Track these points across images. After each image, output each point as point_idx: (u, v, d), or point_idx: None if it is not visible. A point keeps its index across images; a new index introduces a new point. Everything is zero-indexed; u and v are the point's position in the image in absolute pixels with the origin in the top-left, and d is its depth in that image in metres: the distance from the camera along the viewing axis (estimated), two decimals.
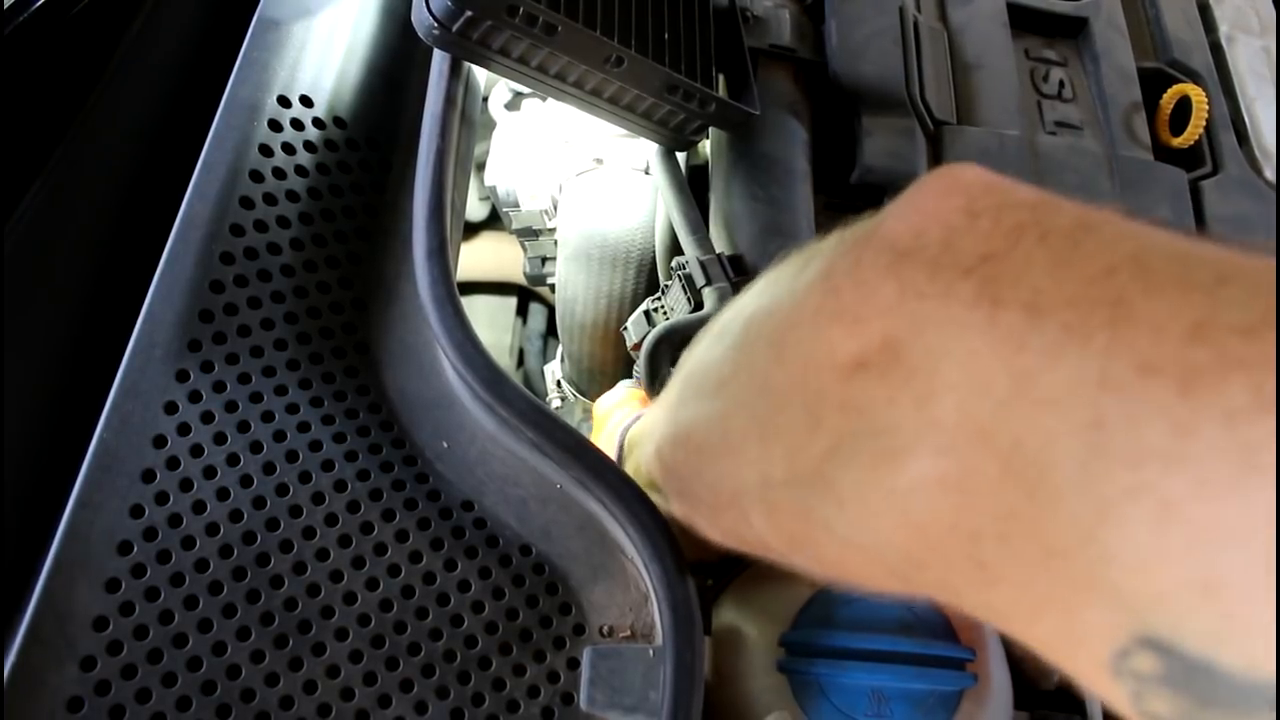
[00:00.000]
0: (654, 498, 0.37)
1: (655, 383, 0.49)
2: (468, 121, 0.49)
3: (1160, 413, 0.15)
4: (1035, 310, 0.17)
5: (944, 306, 0.19)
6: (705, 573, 0.46)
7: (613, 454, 0.47)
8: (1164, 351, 0.15)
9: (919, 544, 0.21)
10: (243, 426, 0.37)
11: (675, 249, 0.60)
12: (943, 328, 0.19)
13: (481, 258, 1.15)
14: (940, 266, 0.20)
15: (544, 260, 0.81)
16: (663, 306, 0.55)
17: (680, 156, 0.61)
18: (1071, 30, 0.63)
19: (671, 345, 0.50)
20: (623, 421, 0.50)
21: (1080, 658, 0.18)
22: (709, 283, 0.50)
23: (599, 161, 0.70)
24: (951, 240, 0.20)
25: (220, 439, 0.37)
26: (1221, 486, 0.14)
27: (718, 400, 0.28)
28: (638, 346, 0.55)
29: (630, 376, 0.73)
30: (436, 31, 0.42)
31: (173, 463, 0.36)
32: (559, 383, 0.87)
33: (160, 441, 0.36)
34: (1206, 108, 0.57)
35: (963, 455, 0.19)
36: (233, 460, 0.36)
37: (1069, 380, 0.17)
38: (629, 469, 0.43)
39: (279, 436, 0.38)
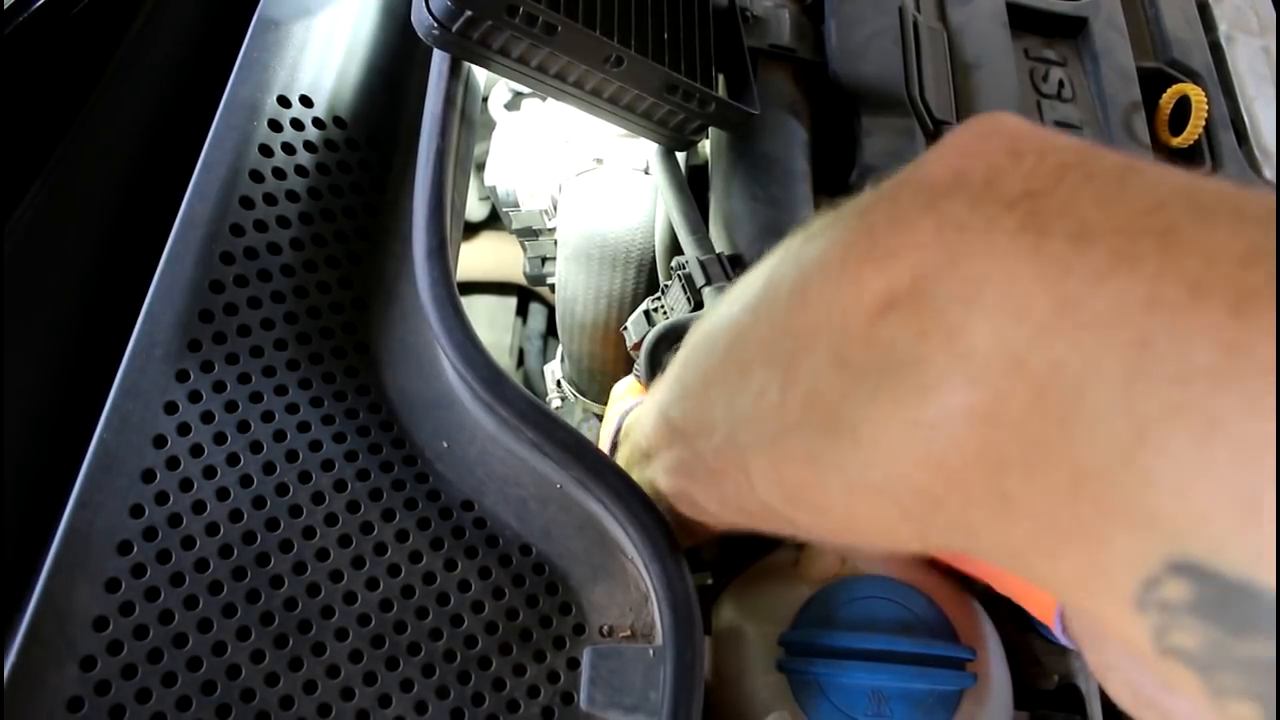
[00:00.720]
0: (643, 476, 0.37)
1: (655, 381, 0.49)
2: (468, 121, 0.49)
3: (1211, 331, 0.15)
4: (1082, 239, 0.17)
5: (985, 237, 0.19)
6: (705, 571, 0.46)
7: (608, 438, 0.47)
8: (1217, 274, 0.15)
9: (939, 479, 0.20)
10: (243, 426, 0.37)
11: (675, 249, 0.60)
12: (984, 257, 0.18)
13: (481, 258, 1.15)
14: (982, 201, 0.19)
15: (544, 260, 0.81)
16: (663, 306, 0.55)
17: (680, 156, 0.61)
18: (1071, 30, 0.63)
19: (671, 344, 0.50)
20: (624, 407, 0.50)
21: (1102, 593, 0.18)
22: (709, 282, 0.51)
23: (599, 161, 0.70)
24: (994, 178, 0.19)
25: (220, 439, 0.37)
26: (1272, 403, 0.14)
27: (733, 352, 0.27)
28: (638, 346, 0.55)
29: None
30: (436, 31, 0.42)
31: (173, 463, 0.36)
32: (559, 382, 0.87)
33: (160, 441, 0.36)
34: (1206, 107, 0.57)
35: (994, 384, 0.18)
36: (233, 460, 0.36)
37: (1115, 302, 0.16)
38: (623, 454, 0.43)
39: (279, 436, 0.38)
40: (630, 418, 0.46)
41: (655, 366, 0.49)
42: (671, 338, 0.50)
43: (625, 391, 0.55)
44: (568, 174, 0.71)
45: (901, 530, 0.23)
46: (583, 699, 0.35)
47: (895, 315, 0.20)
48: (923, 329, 0.19)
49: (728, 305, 0.28)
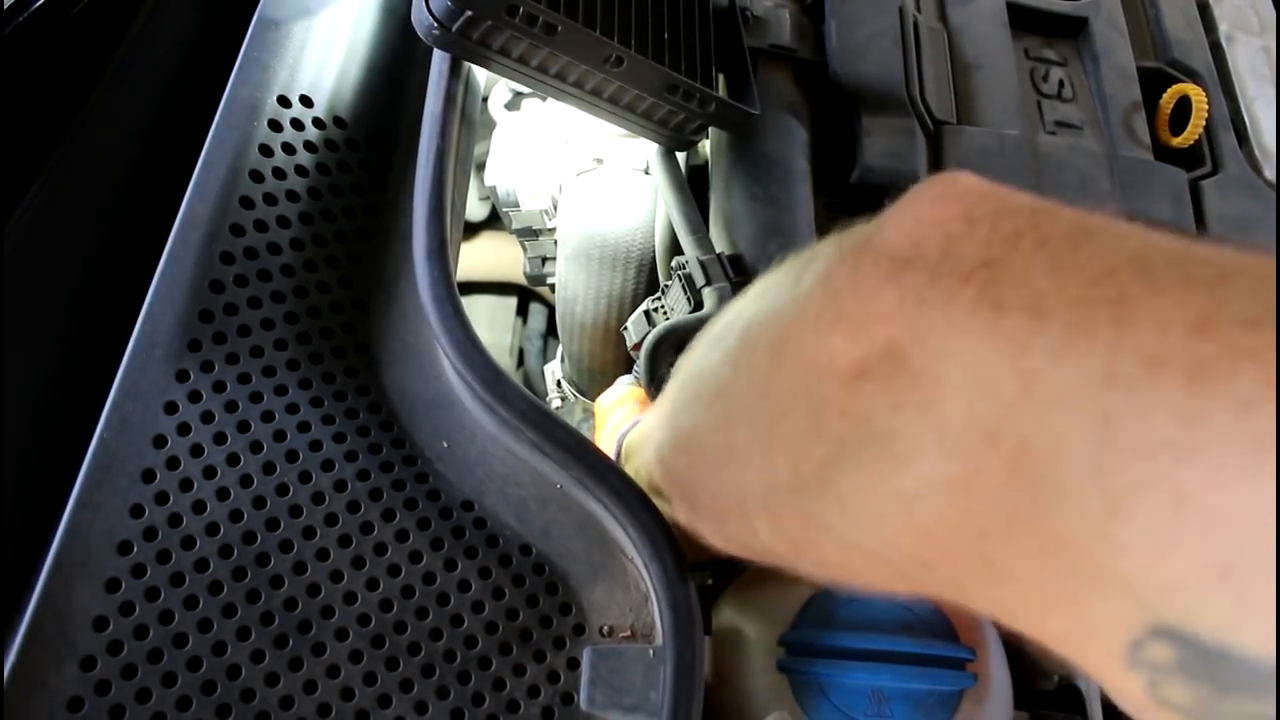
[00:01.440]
0: (658, 503, 0.37)
1: (654, 382, 0.49)
2: (468, 121, 0.49)
3: (1170, 404, 0.15)
4: (1038, 312, 0.18)
5: (946, 312, 0.19)
6: (705, 571, 0.46)
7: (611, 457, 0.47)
8: (1170, 345, 0.16)
9: (925, 545, 0.21)
10: (243, 426, 0.37)
11: (675, 249, 0.60)
12: (945, 333, 0.19)
13: (481, 258, 1.15)
14: (940, 274, 0.20)
15: (544, 260, 0.81)
16: (663, 306, 0.55)
17: (680, 156, 0.61)
18: (1071, 30, 0.63)
19: (671, 345, 0.50)
20: (621, 424, 0.50)
21: (1093, 651, 0.18)
22: (709, 283, 0.50)
23: (599, 161, 0.70)
24: (950, 247, 0.20)
25: (220, 439, 0.37)
26: (1235, 474, 0.15)
27: (717, 406, 0.28)
28: (638, 347, 0.55)
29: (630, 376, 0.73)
30: (436, 31, 0.42)
31: (173, 463, 0.36)
32: (559, 382, 0.87)
33: (160, 441, 0.36)
34: (1206, 107, 0.57)
35: (970, 457, 0.19)
36: (233, 460, 0.36)
37: (1075, 378, 0.17)
38: (629, 474, 0.43)
39: (279, 436, 0.38)
40: (630, 439, 0.46)
41: (655, 368, 0.49)
42: (671, 339, 0.50)
43: (614, 403, 0.54)
44: (568, 174, 0.71)
45: (898, 585, 0.24)
46: (583, 699, 0.35)
47: (869, 385, 0.21)
48: (897, 401, 0.20)
49: (708, 349, 0.29)
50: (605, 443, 0.51)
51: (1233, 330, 0.15)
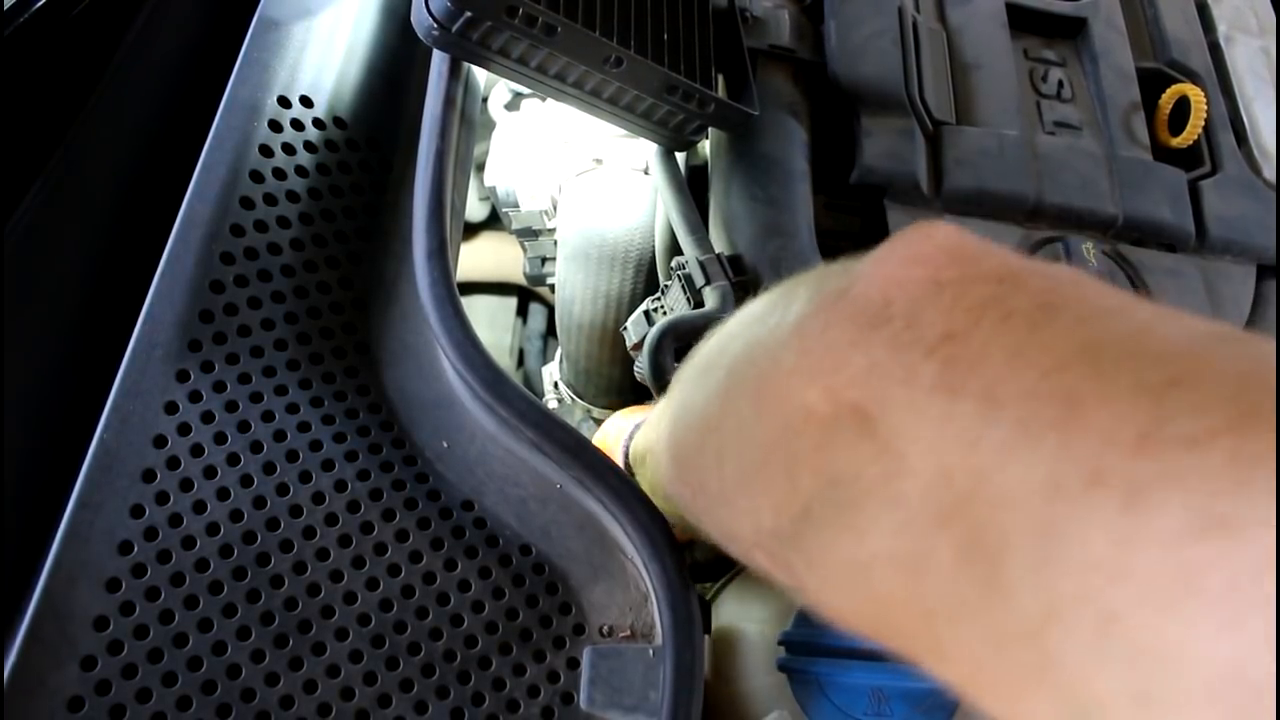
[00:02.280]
0: (667, 510, 0.37)
1: (659, 378, 0.49)
2: (468, 122, 0.49)
3: (1105, 526, 0.16)
4: (991, 401, 0.18)
5: (908, 391, 0.20)
6: (703, 574, 0.46)
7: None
8: (1110, 461, 0.16)
9: (879, 616, 0.21)
10: (243, 426, 0.37)
11: (675, 249, 0.60)
12: (906, 412, 0.20)
13: (481, 258, 1.15)
14: (903, 345, 0.20)
15: (544, 260, 0.81)
16: (662, 306, 0.55)
17: (680, 156, 0.61)
18: (1070, 30, 0.63)
19: (675, 341, 0.50)
20: (624, 431, 0.50)
21: None
22: (708, 282, 0.50)
23: (599, 161, 0.70)
24: (916, 313, 0.20)
25: (220, 439, 0.37)
26: (1161, 604, 0.15)
27: (709, 446, 0.28)
28: (638, 347, 0.55)
29: (629, 377, 0.73)
30: (436, 32, 0.42)
31: (173, 463, 0.36)
32: (555, 384, 0.87)
33: (160, 441, 0.36)
34: (1205, 108, 0.57)
35: (921, 537, 0.19)
36: (233, 460, 0.37)
37: (1021, 484, 0.17)
38: (644, 485, 0.42)
39: (279, 436, 0.38)
40: (637, 445, 0.46)
41: (659, 365, 0.49)
42: (675, 334, 0.50)
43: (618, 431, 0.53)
44: (567, 174, 0.71)
45: (872, 637, 0.24)
46: (583, 699, 0.35)
47: (838, 446, 0.21)
48: (860, 469, 0.21)
49: (700, 378, 0.29)
50: (612, 452, 0.50)
51: (1171, 450, 0.15)
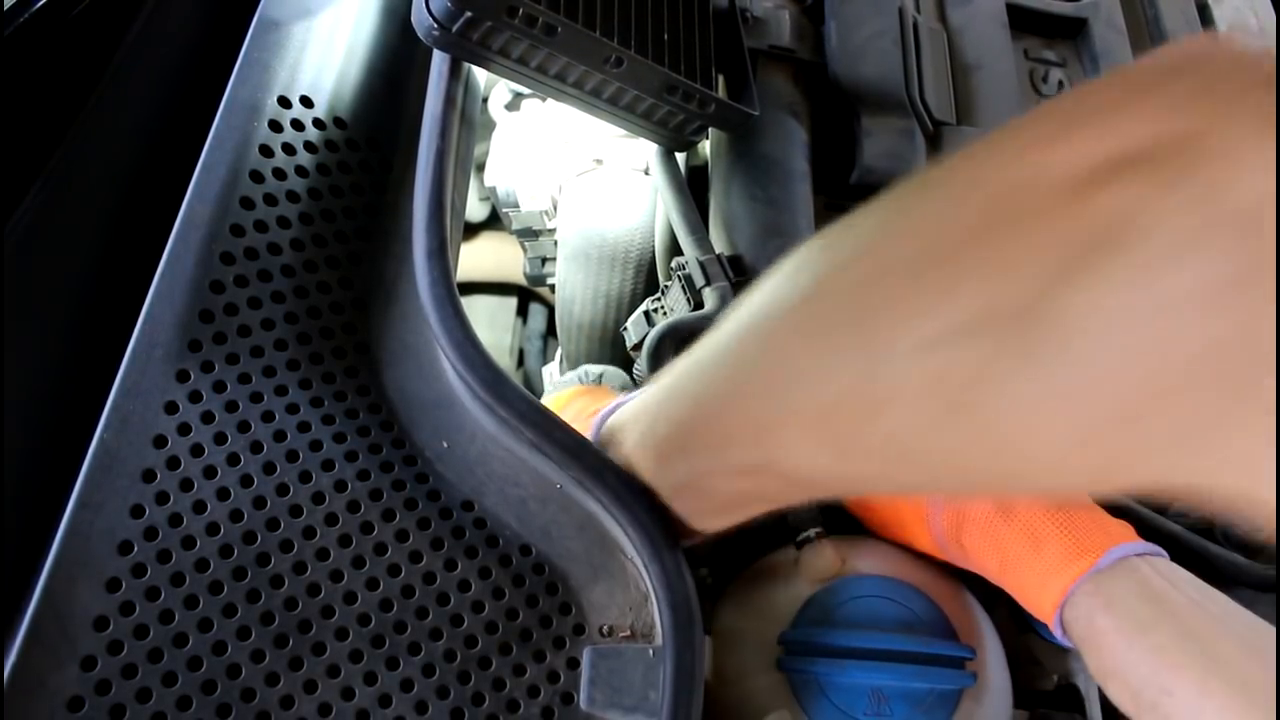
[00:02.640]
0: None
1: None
2: (468, 122, 0.49)
3: None
4: None
5: (1246, 97, 0.17)
6: (700, 563, 0.46)
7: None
8: None
9: (1167, 370, 0.18)
10: (243, 426, 0.37)
11: (675, 249, 0.60)
12: (1247, 116, 0.17)
13: (481, 258, 1.15)
14: (1237, 68, 0.18)
15: (544, 260, 0.81)
16: (662, 307, 0.55)
17: (680, 157, 0.61)
18: (1071, 31, 0.63)
19: (675, 342, 0.50)
20: (581, 412, 0.49)
21: None
22: (709, 283, 0.51)
23: (599, 162, 0.70)
24: (1233, 58, 0.18)
25: (220, 439, 0.37)
26: None
27: (800, 305, 0.25)
28: (637, 347, 0.55)
29: (628, 377, 0.73)
30: (436, 32, 0.42)
31: (173, 463, 0.36)
32: (556, 384, 0.87)
33: (160, 441, 0.36)
34: None
35: (1253, 252, 0.16)
36: (233, 460, 0.37)
37: None
38: (612, 457, 0.42)
39: (279, 436, 0.38)
40: (613, 422, 0.45)
41: (659, 366, 0.49)
42: (674, 336, 0.50)
43: (573, 395, 0.53)
44: (568, 174, 0.71)
45: (1077, 454, 0.20)
46: (583, 699, 0.35)
47: (1117, 184, 0.18)
48: (1156, 195, 0.17)
49: (779, 278, 0.26)
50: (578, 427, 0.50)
51: None
